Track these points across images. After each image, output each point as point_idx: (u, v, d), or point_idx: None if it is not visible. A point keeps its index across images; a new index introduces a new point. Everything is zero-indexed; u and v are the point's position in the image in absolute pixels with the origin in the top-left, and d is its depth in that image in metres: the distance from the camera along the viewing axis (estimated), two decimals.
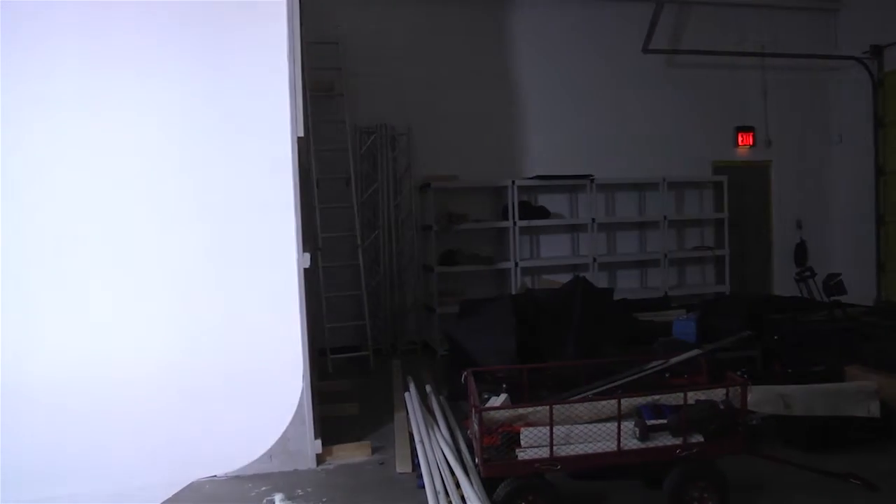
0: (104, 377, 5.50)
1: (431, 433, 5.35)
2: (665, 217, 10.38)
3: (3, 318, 5.44)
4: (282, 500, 4.66)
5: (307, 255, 5.38)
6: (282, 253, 5.40)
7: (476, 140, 10.14)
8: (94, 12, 5.72)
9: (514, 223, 9.66)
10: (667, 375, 5.25)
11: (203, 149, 5.72)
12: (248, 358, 5.39)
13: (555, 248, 10.57)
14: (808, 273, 7.82)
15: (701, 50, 10.87)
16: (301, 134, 5.50)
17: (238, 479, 5.09)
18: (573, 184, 10.28)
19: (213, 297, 5.51)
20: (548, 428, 4.09)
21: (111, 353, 5.53)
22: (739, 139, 11.31)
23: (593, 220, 10.10)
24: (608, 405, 4.23)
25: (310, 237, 5.77)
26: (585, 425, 4.20)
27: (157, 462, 5.19)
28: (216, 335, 5.44)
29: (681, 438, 4.10)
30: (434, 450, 5.02)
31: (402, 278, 9.74)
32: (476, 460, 4.38)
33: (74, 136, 5.64)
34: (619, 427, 4.06)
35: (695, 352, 5.27)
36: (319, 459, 5.30)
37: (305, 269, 5.37)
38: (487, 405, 4.78)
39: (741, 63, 11.15)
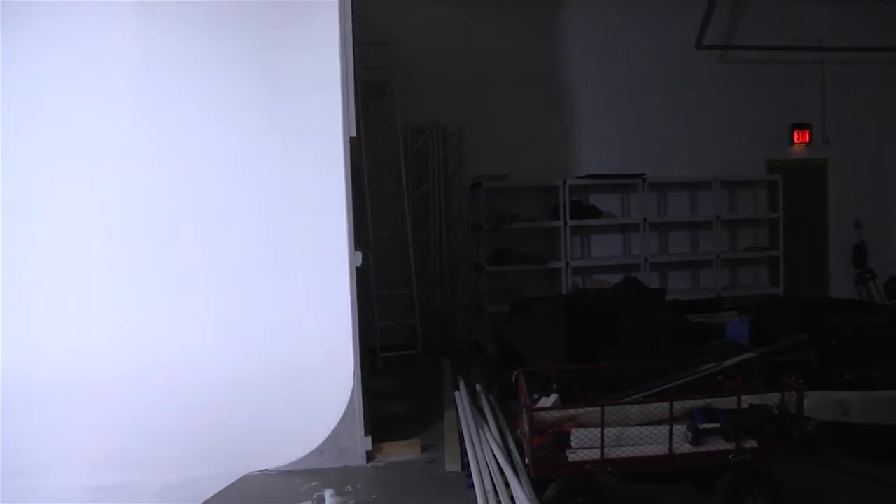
0: (162, 372, 5.64)
1: (481, 432, 5.36)
2: (718, 217, 10.22)
3: (69, 316, 5.62)
4: (332, 495, 4.72)
5: (359, 254, 5.43)
6: (334, 251, 5.46)
7: (527, 139, 10.10)
8: (154, 14, 5.86)
9: (565, 223, 9.61)
10: (719, 378, 5.17)
11: (257, 148, 5.81)
12: (301, 355, 5.47)
13: (606, 248, 10.48)
14: (867, 275, 7.64)
15: (756, 45, 10.63)
16: (353, 133, 5.55)
17: (289, 474, 5.16)
18: (625, 183, 10.18)
19: (266, 295, 5.61)
20: (598, 429, 4.07)
21: (168, 349, 5.66)
22: (795, 137, 11.05)
23: (645, 219, 9.99)
24: (660, 408, 4.19)
25: (362, 236, 5.82)
26: (637, 427, 4.16)
27: (211, 455, 5.29)
28: (270, 332, 5.53)
29: (734, 443, 4.04)
30: (484, 449, 5.03)
31: (452, 277, 9.76)
32: (526, 460, 4.37)
33: (136, 136, 5.79)
34: (670, 430, 4.02)
35: (748, 355, 5.17)
36: (369, 456, 5.35)
37: (357, 268, 5.42)
38: (538, 405, 4.76)
39: (798, 58, 10.86)
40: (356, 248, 5.42)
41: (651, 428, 4.12)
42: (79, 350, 5.74)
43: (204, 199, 5.80)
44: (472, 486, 4.60)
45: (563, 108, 10.33)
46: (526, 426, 4.28)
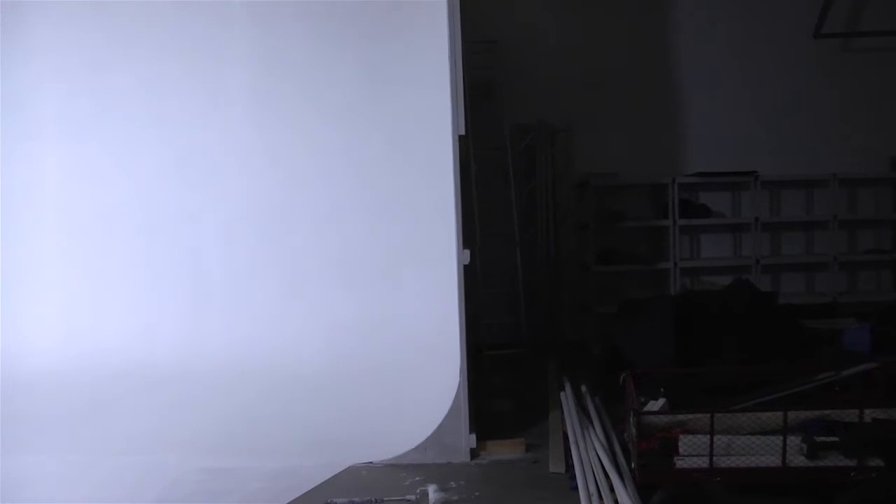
0: (272, 363, 5.87)
1: (586, 434, 5.31)
2: (835, 216, 9.73)
3: (186, 309, 5.92)
4: (435, 491, 4.76)
5: (467, 252, 5.46)
6: (441, 249, 5.52)
7: (635, 136, 9.90)
8: (266, 16, 6.09)
9: (674, 222, 9.40)
10: (837, 389, 4.96)
11: (366, 147, 5.95)
12: (407, 351, 5.57)
13: (715, 249, 10.17)
14: None
15: (883, 31, 9.97)
16: (462, 132, 5.58)
17: (393, 468, 5.24)
18: (736, 181, 9.81)
19: (374, 292, 5.75)
20: (707, 436, 3.99)
21: (278, 341, 5.89)
22: None
23: (757, 219, 9.63)
24: (772, 417, 4.07)
25: (469, 234, 5.87)
26: (748, 436, 4.06)
27: (317, 445, 5.46)
28: (376, 328, 5.67)
29: (856, 460, 3.87)
30: (589, 451, 4.99)
31: (558, 276, 9.70)
32: (632, 465, 4.33)
33: (249, 137, 6.03)
34: (784, 441, 3.89)
35: (870, 364, 4.95)
36: (473, 454, 5.38)
37: (464, 266, 5.47)
38: (645, 409, 4.70)
39: None
40: (464, 247, 5.45)
41: (763, 438, 4.01)
42: (194, 340, 6.05)
43: (314, 198, 6.00)
44: (575, 488, 4.56)
45: (673, 103, 10.08)
46: (633, 430, 4.24)
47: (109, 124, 6.49)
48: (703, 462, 3.95)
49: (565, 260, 9.79)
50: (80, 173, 6.60)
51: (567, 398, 6.21)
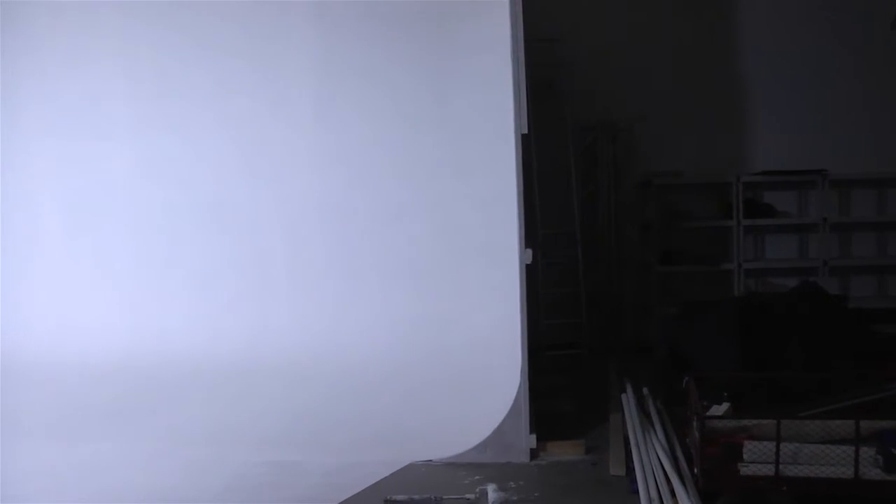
0: (333, 359, 5.96)
1: (647, 437, 5.26)
2: None
3: (251, 306, 6.06)
4: (494, 490, 4.77)
5: (529, 251, 5.44)
6: (503, 249, 5.52)
7: (699, 134, 9.71)
8: (328, 19, 6.17)
9: (738, 222, 9.20)
10: None
11: (427, 146, 5.99)
12: (467, 350, 5.60)
13: (781, 250, 9.91)
14: None
15: None
16: (525, 131, 5.57)
17: (452, 466, 5.26)
18: (803, 179, 9.53)
19: (435, 290, 5.78)
20: (773, 443, 3.89)
21: (340, 338, 5.98)
22: None
23: (825, 219, 9.34)
24: (843, 426, 3.94)
25: (530, 234, 5.86)
26: (816, 445, 3.94)
27: (377, 442, 5.53)
28: (437, 326, 5.71)
29: None
30: (650, 455, 4.94)
31: (620, 277, 9.60)
32: (694, 470, 4.27)
33: (313, 136, 6.12)
34: (856, 452, 3.77)
35: None
36: (533, 454, 5.37)
37: (526, 265, 5.45)
38: (708, 413, 4.63)
39: None
40: (526, 246, 5.44)
41: (833, 447, 3.88)
42: (259, 336, 6.18)
43: (377, 196, 6.06)
44: (636, 491, 4.53)
45: (738, 100, 9.85)
46: (696, 434, 4.18)
47: (177, 124, 6.67)
48: (768, 470, 3.85)
49: (627, 260, 9.68)
50: (149, 172, 6.79)
51: (628, 400, 6.15)
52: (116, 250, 6.84)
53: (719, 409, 4.85)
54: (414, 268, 5.84)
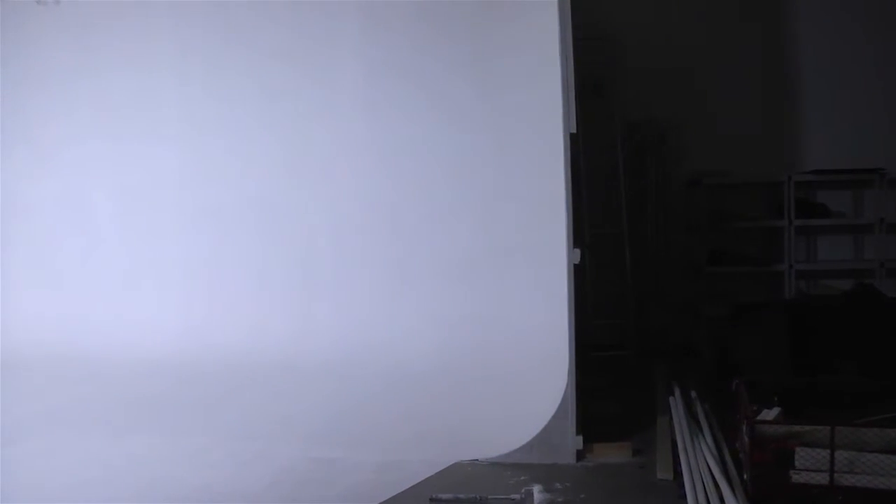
0: (380, 357, 5.99)
1: (696, 441, 5.19)
2: None
3: (297, 304, 6.12)
4: (540, 491, 4.75)
5: (577, 251, 5.40)
6: (551, 248, 5.48)
7: (748, 132, 9.51)
8: (375, 20, 6.19)
9: (790, 222, 9.00)
10: None
11: (475, 145, 5.98)
12: (514, 350, 5.57)
13: (835, 251, 9.67)
14: None
15: None
16: (573, 130, 5.52)
17: (498, 466, 5.23)
18: (859, 179, 9.30)
19: (482, 289, 5.77)
20: (828, 451, 3.80)
21: (387, 335, 6.00)
22: None
23: (882, 219, 9.07)
24: None
25: (578, 233, 5.82)
26: (875, 455, 3.83)
27: (423, 440, 5.53)
28: (484, 326, 5.70)
29: None
30: (698, 459, 4.87)
31: (667, 277, 9.48)
32: (744, 476, 4.20)
33: (360, 136, 6.15)
34: None
35: None
36: (579, 455, 5.32)
37: (574, 265, 5.41)
38: (758, 418, 4.54)
39: None
40: (574, 246, 5.39)
41: (894, 458, 3.77)
42: (305, 333, 6.24)
43: (424, 195, 6.07)
44: (684, 496, 4.46)
45: (790, 96, 9.64)
46: (745, 439, 4.11)
47: (225, 125, 6.78)
48: (822, 478, 3.76)
49: (675, 260, 9.55)
50: (198, 172, 6.91)
51: (676, 403, 6.07)
52: (167, 248, 6.98)
53: (770, 414, 4.76)
54: (460, 267, 5.84)
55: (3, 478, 5.09)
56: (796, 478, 3.86)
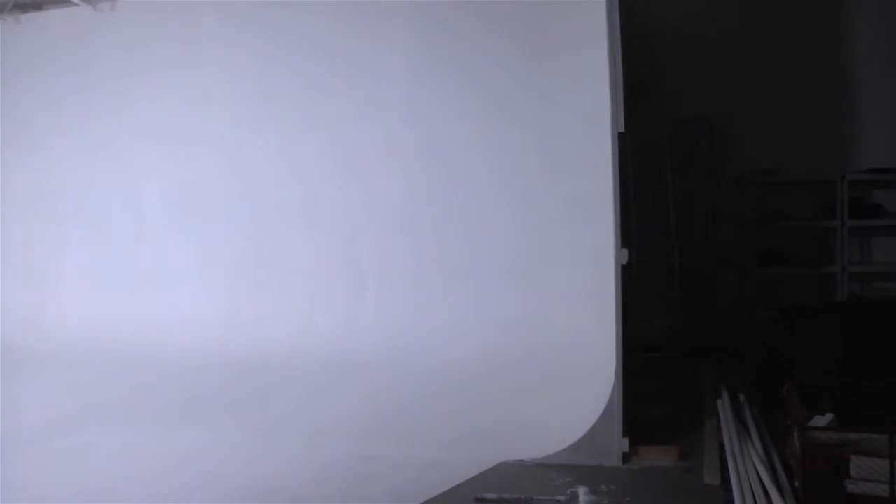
0: (424, 355, 6.00)
1: (744, 447, 5.10)
2: None
3: (343, 302, 6.16)
4: (585, 493, 4.71)
5: (625, 252, 5.35)
6: (598, 249, 5.44)
7: (799, 131, 9.31)
8: (421, 14, 6.20)
9: (843, 223, 8.80)
10: None
11: (520, 144, 5.96)
12: (559, 350, 5.54)
13: (890, 252, 9.43)
14: None
15: None
16: (622, 129, 5.48)
17: (543, 467, 5.21)
18: None
19: (527, 289, 5.75)
20: (886, 461, 3.70)
21: (431, 334, 6.01)
22: None
23: None
24: None
25: (626, 233, 5.77)
26: None
27: (467, 439, 5.54)
28: (530, 325, 5.68)
29: None
30: (746, 465, 4.79)
31: (715, 279, 9.34)
32: (795, 484, 4.11)
33: (405, 136, 6.17)
34: None
35: None
36: (625, 458, 5.27)
37: (622, 266, 5.36)
38: (810, 424, 4.45)
39: None
40: (622, 246, 5.34)
41: None
42: (350, 331, 6.29)
43: (469, 195, 6.06)
44: (732, 502, 4.40)
45: (843, 92, 9.41)
46: (797, 446, 4.02)
47: (272, 125, 6.85)
48: (881, 490, 3.65)
49: (723, 261, 9.40)
50: (244, 172, 7.01)
51: (724, 407, 5.98)
52: (215, 247, 7.09)
53: (822, 420, 4.65)
54: (506, 267, 5.83)
55: (54, 469, 5.22)
56: (852, 488, 3.76)
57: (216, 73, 7.05)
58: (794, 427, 4.23)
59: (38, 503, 4.69)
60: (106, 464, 5.36)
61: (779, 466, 4.77)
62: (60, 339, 7.52)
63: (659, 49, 9.02)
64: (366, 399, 6.02)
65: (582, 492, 4.72)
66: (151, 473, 5.16)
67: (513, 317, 5.75)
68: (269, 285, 6.85)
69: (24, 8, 8.27)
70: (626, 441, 5.25)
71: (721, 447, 5.30)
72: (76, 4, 7.78)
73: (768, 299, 8.76)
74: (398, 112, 6.31)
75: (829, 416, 4.70)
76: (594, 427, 5.22)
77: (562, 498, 4.68)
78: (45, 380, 7.20)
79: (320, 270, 6.59)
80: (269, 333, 6.67)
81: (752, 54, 9.35)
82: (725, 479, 4.78)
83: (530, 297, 5.75)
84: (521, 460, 5.29)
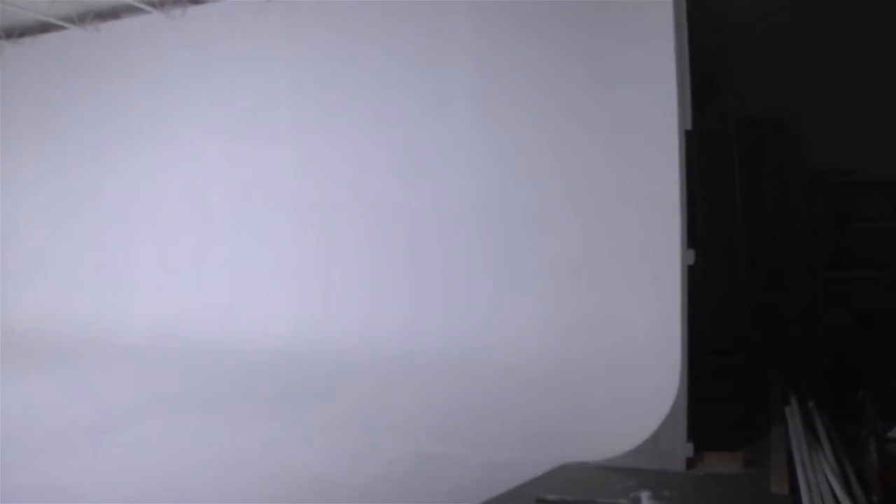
0: (486, 356, 6.00)
1: (815, 456, 4.95)
2: None
3: (406, 302, 6.19)
4: (648, 498, 4.64)
5: (691, 252, 5.25)
6: (664, 249, 5.35)
7: (873, 129, 9.01)
8: (486, 16, 6.18)
9: None
10: None
11: (585, 143, 5.89)
12: (624, 352, 5.47)
13: None
14: None
15: None
16: (689, 127, 5.38)
17: (606, 470, 5.14)
18: None
19: (592, 290, 5.70)
20: None
21: (493, 335, 5.99)
22: None
23: None
24: None
25: (693, 233, 5.65)
26: None
27: (529, 440, 5.52)
28: (593, 326, 5.62)
29: None
30: (817, 476, 4.64)
31: (784, 281, 9.10)
32: (872, 499, 3.96)
33: (468, 137, 6.16)
34: None
35: None
36: (689, 463, 5.17)
37: (688, 266, 5.26)
38: (889, 434, 4.29)
39: None
40: (689, 246, 5.24)
41: None
42: (414, 329, 6.31)
43: (533, 194, 6.03)
44: None
45: None
46: (874, 457, 3.88)
47: (338, 127, 6.92)
48: None
49: (793, 263, 9.15)
50: (311, 172, 7.09)
51: (793, 414, 5.82)
52: (281, 244, 7.19)
53: None
54: (571, 267, 5.79)
55: (124, 457, 5.37)
56: None
57: (283, 75, 7.15)
58: (871, 438, 4.08)
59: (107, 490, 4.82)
60: (175, 454, 5.48)
61: (853, 479, 4.60)
62: (132, 334, 7.72)
63: (728, 44, 8.83)
64: (429, 397, 6.04)
65: (645, 496, 4.65)
66: (219, 465, 5.26)
67: (577, 317, 5.70)
68: (336, 284, 6.94)
69: (103, 17, 8.58)
70: (690, 446, 5.14)
71: (789, 455, 5.16)
72: (149, 12, 7.99)
73: (839, 303, 8.51)
74: (464, 111, 6.31)
75: None
76: (658, 430, 5.13)
77: (624, 502, 4.62)
78: (118, 373, 7.42)
79: (386, 270, 6.65)
80: (336, 331, 6.75)
81: (823, 49, 9.07)
82: (794, 490, 4.64)
83: (595, 297, 5.70)
84: (584, 462, 5.23)
